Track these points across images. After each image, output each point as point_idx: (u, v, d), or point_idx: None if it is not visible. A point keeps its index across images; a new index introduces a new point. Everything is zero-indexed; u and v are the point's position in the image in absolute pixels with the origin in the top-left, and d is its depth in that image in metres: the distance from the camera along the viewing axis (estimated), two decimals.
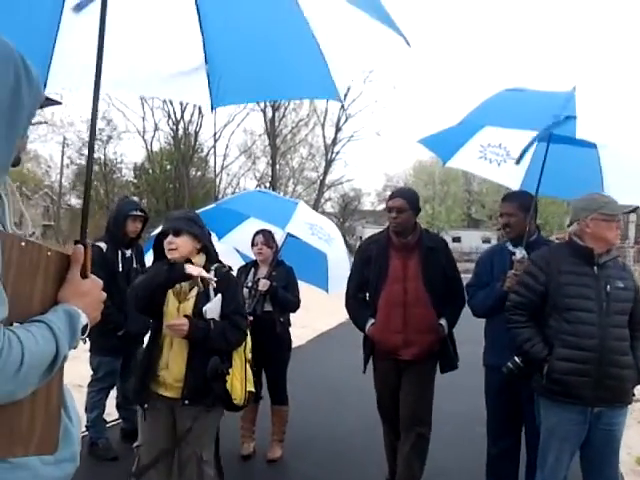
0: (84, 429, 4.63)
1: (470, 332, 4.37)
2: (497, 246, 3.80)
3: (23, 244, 1.24)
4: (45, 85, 2.38)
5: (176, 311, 2.98)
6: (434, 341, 3.66)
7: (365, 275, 3.80)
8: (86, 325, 1.34)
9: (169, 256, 3.00)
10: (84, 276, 1.39)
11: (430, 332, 3.64)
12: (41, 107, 1.46)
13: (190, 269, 2.91)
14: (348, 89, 37.61)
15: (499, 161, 3.84)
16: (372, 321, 3.73)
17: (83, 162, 38.44)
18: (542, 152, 3.56)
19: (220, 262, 3.18)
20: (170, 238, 2.99)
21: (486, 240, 48.16)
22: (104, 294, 1.43)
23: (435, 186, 48.63)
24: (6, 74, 1.25)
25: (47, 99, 1.47)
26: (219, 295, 3.01)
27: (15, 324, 1.18)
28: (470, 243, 47.61)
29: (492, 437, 3.54)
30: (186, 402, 2.92)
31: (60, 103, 1.50)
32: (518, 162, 3.50)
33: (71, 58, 2.41)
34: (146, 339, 4.25)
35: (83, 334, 1.33)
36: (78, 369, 6.05)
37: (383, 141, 72.93)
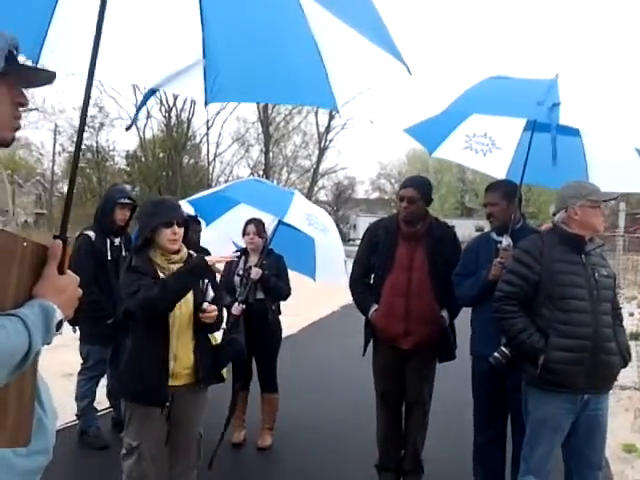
0: (74, 418, 4.64)
1: (459, 322, 4.40)
2: (483, 235, 3.80)
3: None
4: (37, 61, 2.36)
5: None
6: (434, 332, 3.69)
7: (372, 260, 3.81)
8: (61, 321, 1.32)
9: (173, 247, 2.96)
10: (61, 272, 1.36)
11: (431, 323, 3.67)
12: (41, 81, 1.46)
13: (212, 259, 2.97)
14: None
15: (485, 151, 3.84)
16: (375, 307, 3.75)
17: None
18: (527, 141, 3.56)
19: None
20: (176, 229, 2.94)
21: (479, 229, 47.97)
22: (80, 291, 1.41)
23: (429, 174, 48.59)
24: None
25: (41, 70, 1.45)
26: (206, 281, 3.06)
27: None
28: (463, 232, 47.56)
29: (479, 426, 3.57)
30: (202, 386, 3.02)
31: (51, 74, 1.45)
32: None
33: (67, 38, 2.37)
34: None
35: (57, 330, 1.31)
36: (68, 358, 6.05)
37: (377, 129, 72.80)
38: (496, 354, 3.06)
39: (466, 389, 3.67)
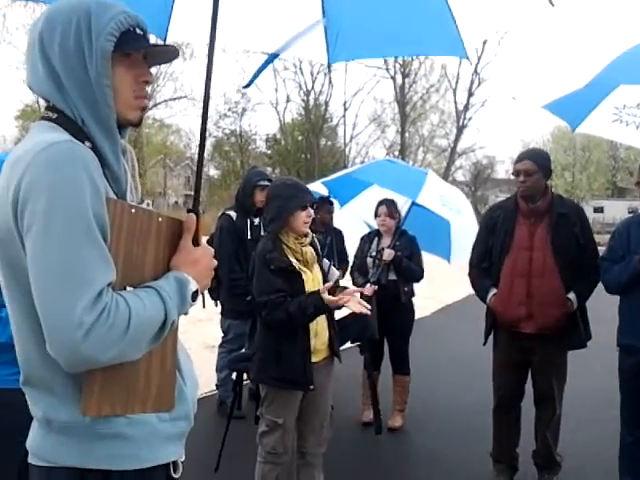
0: (214, 387, 4.93)
1: (603, 310, 4.09)
2: (634, 217, 3.45)
3: (133, 211, 1.29)
4: (165, 37, 2.46)
5: (311, 281, 3.00)
6: (560, 316, 3.41)
7: (489, 243, 3.62)
8: (196, 292, 1.37)
9: (305, 230, 2.99)
10: (196, 244, 1.41)
11: (556, 306, 3.41)
12: (166, 57, 1.48)
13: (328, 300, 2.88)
14: (481, 51, 35.94)
15: (638, 123, 3.48)
16: (494, 291, 3.57)
17: (220, 134, 40.20)
18: None
19: None
20: (310, 211, 2.98)
21: (633, 210, 44.35)
22: (215, 262, 1.45)
23: (576, 152, 45.49)
24: (68, 42, 1.29)
25: (163, 45, 1.49)
26: (327, 262, 3.16)
27: (129, 288, 1.25)
28: (614, 214, 44.20)
29: (626, 424, 3.29)
30: (339, 360, 3.12)
31: (174, 49, 1.46)
32: None
33: (191, 11, 2.43)
34: None
35: (194, 300, 1.36)
36: (210, 330, 6.44)
37: (519, 105, 69.04)
38: None
39: (609, 384, 3.41)
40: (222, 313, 4.82)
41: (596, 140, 43.44)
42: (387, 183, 4.81)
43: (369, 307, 2.91)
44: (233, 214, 4.71)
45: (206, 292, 4.79)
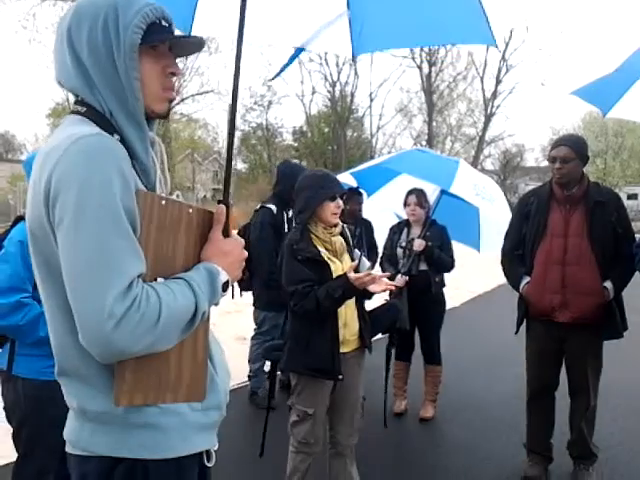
0: (246, 379, 4.97)
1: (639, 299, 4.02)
2: None
3: (163, 202, 1.29)
4: (190, 31, 2.45)
5: (341, 271, 2.95)
6: (596, 305, 3.33)
7: (523, 230, 3.55)
8: (226, 282, 1.37)
9: (335, 220, 2.97)
10: (226, 235, 1.42)
11: (591, 294, 3.32)
12: (192, 49, 1.48)
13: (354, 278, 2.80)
14: (509, 38, 35.36)
15: None
16: (527, 279, 3.51)
17: (247, 127, 40.29)
18: None
19: None
20: (339, 202, 2.95)
21: None
22: (245, 253, 1.46)
23: (608, 138, 44.50)
24: (95, 36, 1.30)
25: (190, 37, 1.48)
26: (358, 252, 3.11)
27: (159, 279, 1.26)
28: None
29: None
30: (369, 351, 3.08)
31: (200, 40, 1.47)
32: None
33: (216, 5, 2.43)
34: None
35: (224, 291, 1.37)
36: (241, 322, 6.49)
37: (548, 92, 67.68)
38: None
39: None
40: (255, 305, 4.84)
41: (629, 125, 42.39)
42: (418, 172, 4.75)
43: (394, 284, 2.88)
44: (273, 207, 4.67)
45: (235, 284, 4.81)
